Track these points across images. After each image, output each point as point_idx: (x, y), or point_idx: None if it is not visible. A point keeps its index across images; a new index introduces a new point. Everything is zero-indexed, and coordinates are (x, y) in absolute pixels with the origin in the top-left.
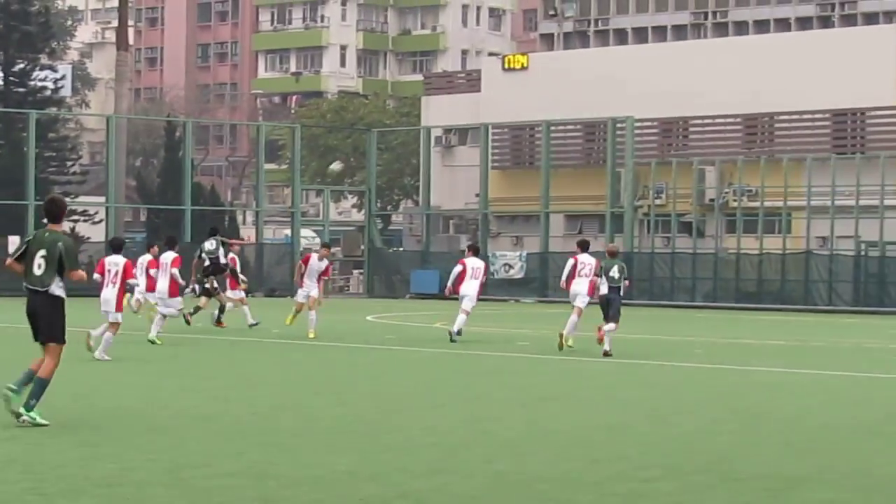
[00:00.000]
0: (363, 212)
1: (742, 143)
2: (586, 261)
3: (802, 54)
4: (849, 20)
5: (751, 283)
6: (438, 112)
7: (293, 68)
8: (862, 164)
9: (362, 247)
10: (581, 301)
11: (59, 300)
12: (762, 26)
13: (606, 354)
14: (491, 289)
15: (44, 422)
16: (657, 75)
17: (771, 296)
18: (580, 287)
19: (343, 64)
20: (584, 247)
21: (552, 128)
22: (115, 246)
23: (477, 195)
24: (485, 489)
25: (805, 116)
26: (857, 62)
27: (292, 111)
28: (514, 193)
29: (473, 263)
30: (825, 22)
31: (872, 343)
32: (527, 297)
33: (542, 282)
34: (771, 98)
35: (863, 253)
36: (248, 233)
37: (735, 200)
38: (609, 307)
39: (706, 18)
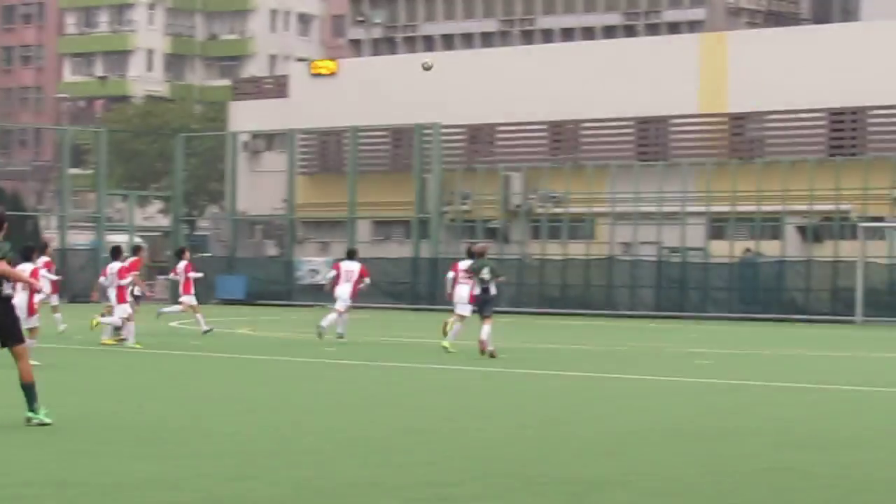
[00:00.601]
0: (169, 217)
1: (548, 150)
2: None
3: (608, 62)
4: (653, 29)
5: (555, 289)
6: (246, 117)
7: (99, 72)
8: (665, 172)
9: (168, 252)
10: (463, 308)
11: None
12: (569, 34)
13: (492, 356)
14: (297, 294)
15: (48, 420)
16: (465, 82)
17: (574, 301)
18: (464, 293)
19: (150, 68)
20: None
21: (360, 133)
22: None
23: (284, 200)
24: (288, 496)
25: (610, 124)
26: (661, 70)
27: (98, 115)
28: (321, 199)
29: (347, 266)
30: (630, 31)
31: (673, 347)
32: (333, 303)
33: None
34: (576, 105)
35: (665, 258)
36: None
37: (540, 206)
38: (484, 307)
39: (514, 26)
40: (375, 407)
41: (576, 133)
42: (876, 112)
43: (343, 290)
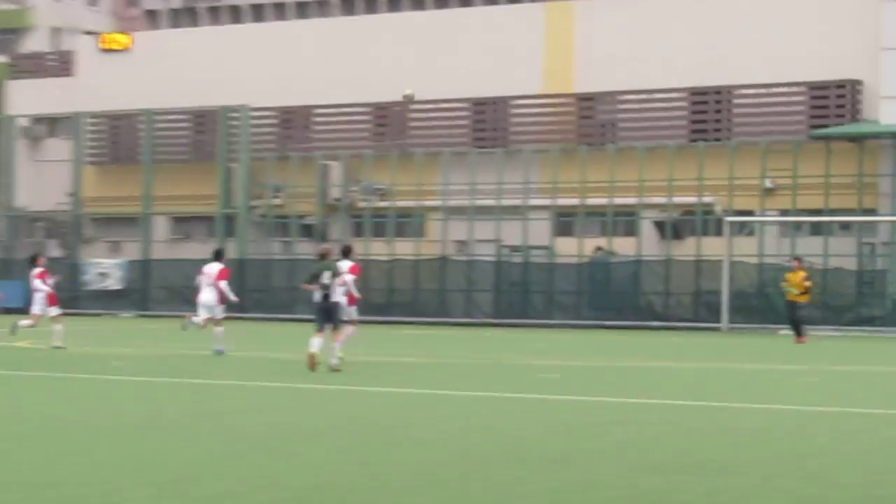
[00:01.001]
0: None
1: (371, 136)
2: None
3: (439, 36)
4: None
5: (380, 294)
6: (25, 99)
7: None
8: (504, 160)
9: None
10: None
11: None
12: (395, 3)
13: (334, 369)
14: (84, 301)
15: None
16: (276, 58)
17: (403, 307)
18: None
19: None
20: (345, 253)
21: (157, 117)
22: None
23: (70, 194)
24: None
25: (442, 105)
26: (499, 45)
27: None
28: (112, 192)
29: (209, 269)
30: (465, 0)
31: (515, 359)
32: (125, 311)
33: (144, 293)
34: (404, 84)
35: (505, 258)
36: None
37: (363, 200)
38: (327, 316)
39: None
40: (172, 430)
41: (403, 116)
42: (742, 92)
43: (206, 298)
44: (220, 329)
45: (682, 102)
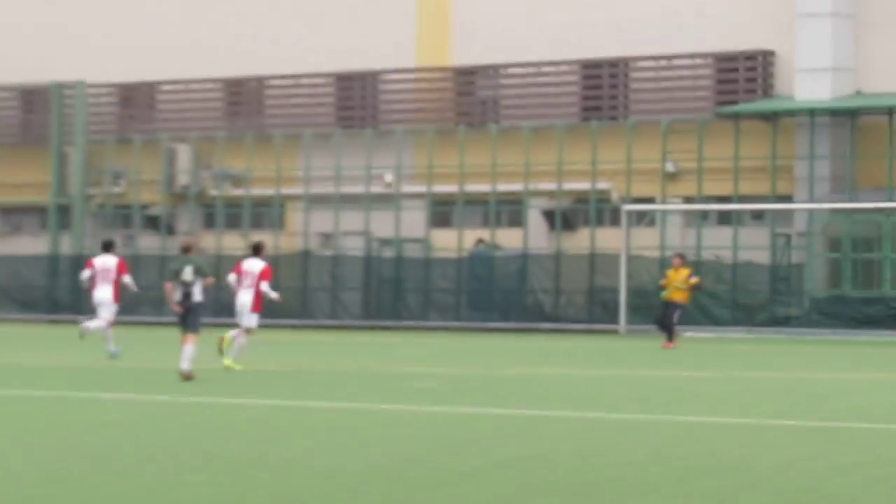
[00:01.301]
0: None
1: (224, 115)
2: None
3: (299, 3)
4: None
5: (225, 294)
6: None
7: None
8: (374, 142)
9: None
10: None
11: None
12: None
13: (187, 378)
14: None
15: None
16: (115, 28)
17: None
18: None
19: None
20: (256, 252)
21: None
22: None
23: None
24: None
25: (303, 81)
26: (367, 13)
27: None
28: None
29: (102, 263)
30: None
31: (386, 366)
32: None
33: None
34: (260, 58)
35: (375, 253)
36: None
37: (215, 188)
38: (187, 319)
39: None
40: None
41: (259, 93)
42: (640, 65)
43: (103, 294)
44: (110, 330)
45: (573, 77)
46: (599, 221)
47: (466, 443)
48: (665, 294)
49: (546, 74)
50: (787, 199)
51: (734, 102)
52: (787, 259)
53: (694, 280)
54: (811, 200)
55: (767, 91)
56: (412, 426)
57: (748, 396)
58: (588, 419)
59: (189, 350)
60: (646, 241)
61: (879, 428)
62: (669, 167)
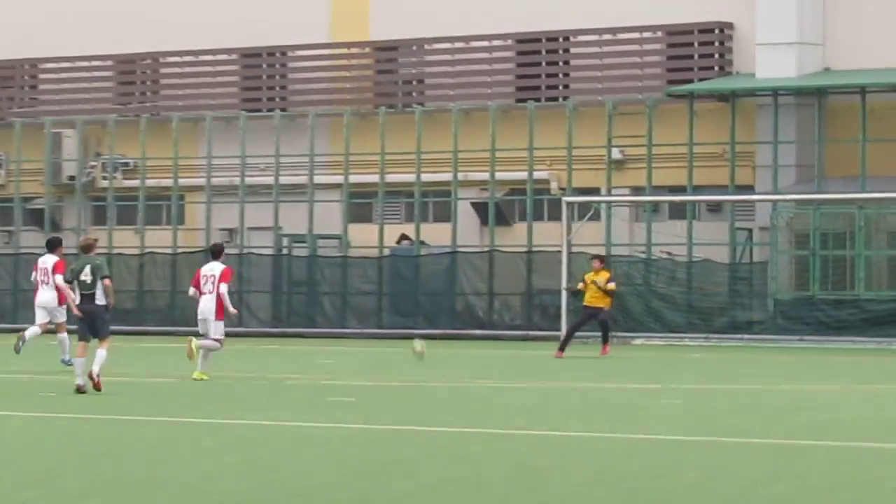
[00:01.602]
0: None
1: (115, 97)
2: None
3: None
4: None
5: (129, 297)
6: None
7: None
8: (284, 126)
9: None
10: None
11: None
12: None
13: (80, 391)
14: None
15: None
16: None
17: (157, 314)
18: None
19: None
20: (215, 254)
21: None
22: None
23: None
24: None
25: (203, 58)
26: None
27: None
28: None
29: (43, 263)
30: None
31: (298, 378)
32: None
33: None
34: (155, 33)
35: (285, 251)
36: None
37: (106, 178)
38: (90, 324)
39: None
40: None
41: (155, 73)
42: (583, 39)
43: (45, 298)
44: (63, 335)
45: (507, 53)
46: (537, 215)
47: (389, 464)
48: (584, 299)
49: (477, 50)
50: (748, 189)
51: (688, 81)
52: (749, 257)
53: (611, 286)
54: (775, 191)
55: (725, 68)
56: (328, 445)
57: (703, 411)
58: (526, 437)
59: (101, 355)
60: (590, 236)
61: (849, 446)
62: (616, 154)
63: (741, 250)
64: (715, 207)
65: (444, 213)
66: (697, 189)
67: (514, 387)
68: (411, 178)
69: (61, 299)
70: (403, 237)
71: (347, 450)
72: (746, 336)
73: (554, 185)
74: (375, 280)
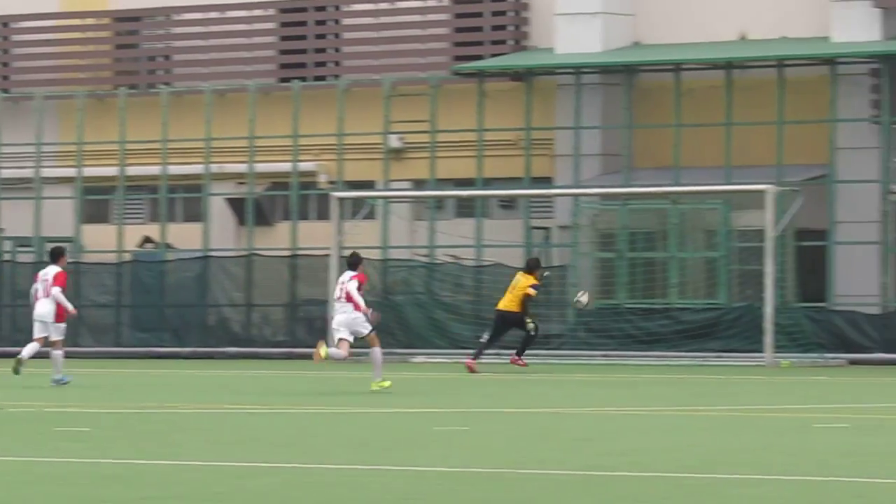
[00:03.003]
0: None
1: None
2: None
3: None
4: None
5: None
6: None
7: None
8: (6, 110)
9: None
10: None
11: None
12: None
13: None
14: None
15: None
16: None
17: None
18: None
19: None
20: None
21: None
22: None
23: None
24: None
25: None
26: None
27: None
28: None
29: (45, 274)
30: None
31: (18, 405)
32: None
33: None
34: None
35: (7, 256)
36: None
37: None
38: None
39: None
40: None
41: None
42: (354, 9)
43: (43, 310)
44: (58, 353)
45: (269, 24)
46: (303, 213)
47: (127, 503)
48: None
49: (232, 21)
50: (546, 182)
51: (477, 58)
52: (547, 260)
53: (532, 292)
54: (576, 184)
55: (521, 42)
56: (55, 483)
57: (493, 439)
58: (287, 470)
59: None
60: (365, 237)
61: (656, 477)
62: (394, 142)
63: (538, 253)
64: (508, 203)
65: (195, 212)
66: (488, 182)
67: (276, 412)
68: (156, 170)
69: (60, 314)
70: (147, 240)
71: (78, 488)
72: (543, 352)
73: (322, 178)
74: (113, 290)
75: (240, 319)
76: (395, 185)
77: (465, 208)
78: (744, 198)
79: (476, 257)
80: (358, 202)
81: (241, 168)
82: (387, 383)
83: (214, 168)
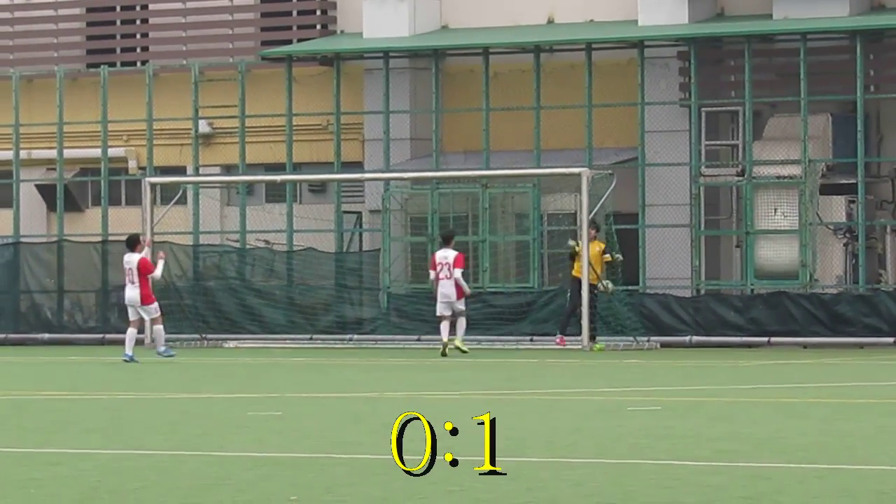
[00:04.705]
0: None
1: None
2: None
3: None
4: None
5: None
6: None
7: None
8: None
9: None
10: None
11: None
12: None
13: None
14: None
15: None
16: None
17: None
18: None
19: None
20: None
21: None
22: None
23: None
24: None
25: None
26: None
27: None
28: None
29: (127, 262)
30: None
31: None
32: None
33: None
34: None
35: None
36: None
37: None
38: None
39: None
40: None
41: None
42: None
43: (130, 295)
44: (158, 327)
45: (76, 9)
46: (114, 199)
47: None
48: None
49: (39, 6)
50: (357, 166)
51: (285, 42)
52: (358, 245)
53: (607, 257)
54: (386, 168)
55: (329, 27)
56: None
57: (303, 423)
58: (103, 455)
59: None
60: (176, 223)
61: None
62: (203, 127)
63: (349, 237)
64: (319, 188)
65: (5, 198)
66: (298, 167)
67: (89, 398)
68: None
69: (147, 296)
70: None
71: None
72: (356, 336)
73: (133, 164)
74: None
75: (52, 306)
76: (205, 170)
77: (276, 193)
78: (554, 181)
79: (287, 242)
80: (170, 188)
81: (51, 154)
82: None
83: (24, 154)
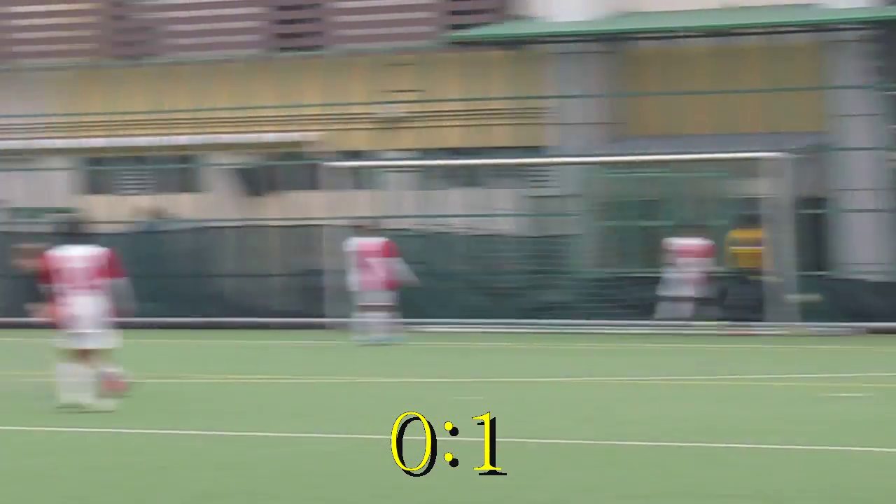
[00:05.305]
0: None
1: None
2: None
3: None
4: None
5: None
6: None
7: None
8: (5, 82)
9: None
10: None
11: None
12: None
13: None
14: None
15: None
16: None
17: None
18: None
19: None
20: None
21: None
22: None
23: None
24: None
25: None
26: None
27: None
28: None
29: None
30: None
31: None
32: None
33: None
34: None
35: (6, 227)
36: None
37: None
38: None
39: None
40: None
41: None
42: None
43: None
44: (378, 313)
45: None
46: (294, 183)
47: (147, 472)
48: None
49: None
50: (537, 150)
51: (468, 26)
52: (553, 229)
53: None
54: (565, 152)
55: (504, 10)
56: (78, 453)
57: (511, 409)
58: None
59: None
60: (356, 208)
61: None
62: (387, 111)
63: (538, 223)
64: (508, 172)
65: (191, 182)
66: (485, 151)
67: (288, 383)
68: (154, 140)
69: (370, 282)
70: (154, 211)
71: (100, 457)
72: (546, 322)
73: (316, 149)
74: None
75: (238, 288)
76: (391, 154)
77: (465, 178)
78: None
79: (475, 227)
80: (355, 172)
81: (234, 139)
82: None
83: (206, 139)
